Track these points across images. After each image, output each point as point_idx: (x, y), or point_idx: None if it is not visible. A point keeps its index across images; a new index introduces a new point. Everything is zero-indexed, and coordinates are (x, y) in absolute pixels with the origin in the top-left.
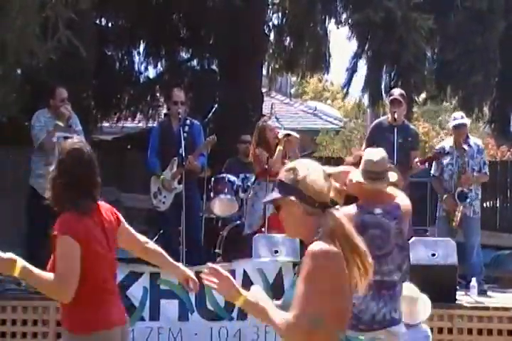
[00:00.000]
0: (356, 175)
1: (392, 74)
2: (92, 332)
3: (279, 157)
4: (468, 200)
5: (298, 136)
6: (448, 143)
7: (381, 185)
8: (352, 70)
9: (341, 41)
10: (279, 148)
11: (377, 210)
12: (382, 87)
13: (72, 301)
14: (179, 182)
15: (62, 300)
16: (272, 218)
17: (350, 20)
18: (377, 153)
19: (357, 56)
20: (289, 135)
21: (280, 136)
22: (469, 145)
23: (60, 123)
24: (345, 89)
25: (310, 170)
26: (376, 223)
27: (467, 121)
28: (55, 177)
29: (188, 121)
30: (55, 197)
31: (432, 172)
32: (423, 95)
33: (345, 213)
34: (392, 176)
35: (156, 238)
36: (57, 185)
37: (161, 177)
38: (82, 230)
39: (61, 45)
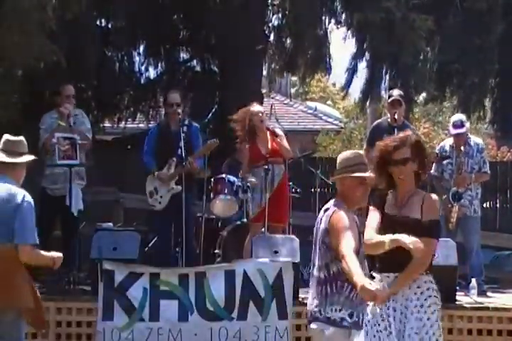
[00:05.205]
0: None
1: (392, 74)
2: None
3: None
4: (462, 201)
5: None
6: (448, 142)
7: None
8: (352, 71)
9: (342, 42)
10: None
11: None
12: (382, 87)
13: None
14: (177, 183)
15: None
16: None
17: (349, 21)
18: None
19: (357, 57)
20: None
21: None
22: (469, 145)
23: (62, 123)
24: (345, 90)
25: None
26: None
27: (467, 127)
28: None
29: (186, 122)
30: None
31: (433, 171)
32: (424, 95)
33: None
34: None
35: (155, 239)
36: None
37: (156, 172)
38: None
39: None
